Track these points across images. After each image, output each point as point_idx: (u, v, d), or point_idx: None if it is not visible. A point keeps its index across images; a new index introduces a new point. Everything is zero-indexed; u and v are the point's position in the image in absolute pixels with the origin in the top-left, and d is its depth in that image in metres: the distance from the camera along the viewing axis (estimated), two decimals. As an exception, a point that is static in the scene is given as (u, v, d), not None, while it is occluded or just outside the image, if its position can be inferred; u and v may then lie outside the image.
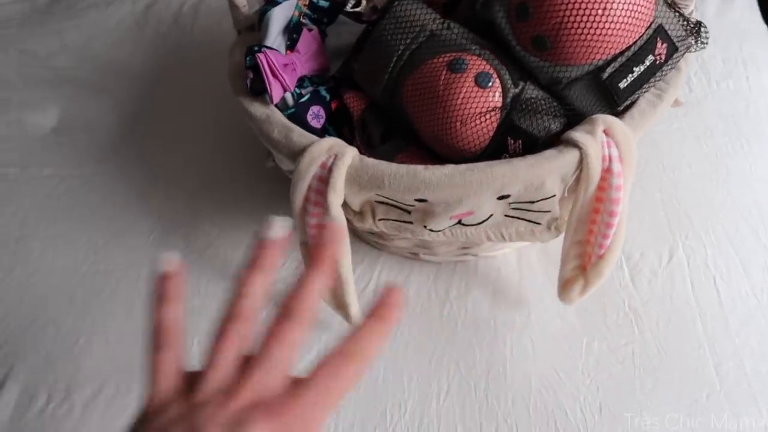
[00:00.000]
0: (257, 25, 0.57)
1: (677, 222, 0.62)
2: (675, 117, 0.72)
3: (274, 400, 0.26)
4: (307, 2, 0.57)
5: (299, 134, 0.49)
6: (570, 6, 0.44)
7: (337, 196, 0.46)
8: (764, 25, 0.86)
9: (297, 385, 0.26)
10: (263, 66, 0.50)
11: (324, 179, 0.46)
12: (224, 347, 0.27)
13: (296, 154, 0.48)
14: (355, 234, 0.64)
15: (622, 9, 0.44)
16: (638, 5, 0.45)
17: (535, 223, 0.51)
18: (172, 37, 0.90)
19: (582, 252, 0.51)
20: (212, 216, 0.66)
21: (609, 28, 0.44)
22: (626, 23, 0.44)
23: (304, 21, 0.58)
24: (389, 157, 0.52)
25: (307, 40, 0.56)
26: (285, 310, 0.28)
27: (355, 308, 0.52)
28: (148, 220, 0.66)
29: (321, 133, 0.55)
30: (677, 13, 0.49)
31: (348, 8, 0.68)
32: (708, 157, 0.68)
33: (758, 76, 0.76)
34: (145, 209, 0.67)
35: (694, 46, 0.50)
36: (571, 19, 0.44)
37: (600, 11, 0.44)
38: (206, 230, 0.65)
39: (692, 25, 0.50)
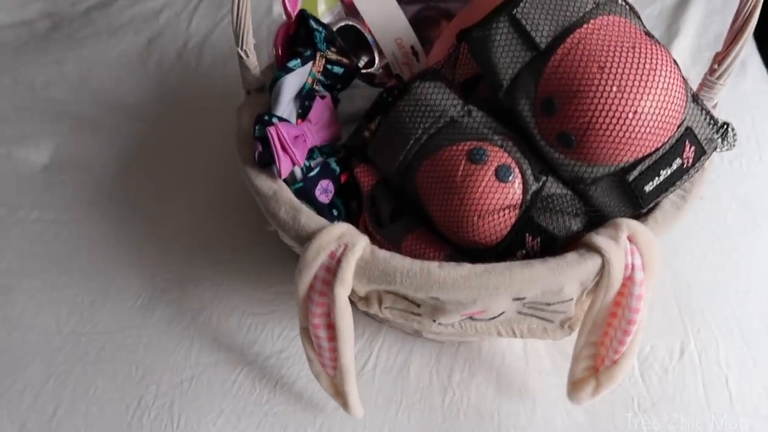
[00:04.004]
0: (268, 89, 0.54)
1: (689, 313, 0.60)
2: (687, 196, 0.70)
3: None
4: (321, 68, 0.55)
5: (307, 217, 0.46)
6: (600, 107, 0.42)
7: (344, 288, 0.44)
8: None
9: None
10: (273, 140, 0.48)
11: (332, 270, 0.44)
12: None
13: (303, 239, 0.45)
14: (356, 305, 0.61)
15: (653, 113, 0.42)
16: (669, 109, 0.43)
17: (548, 321, 0.49)
18: (175, 74, 0.87)
19: (595, 353, 0.49)
20: (207, 277, 0.63)
21: (638, 131, 0.42)
22: (656, 127, 0.43)
23: (316, 87, 0.55)
24: (398, 239, 0.50)
25: (319, 108, 0.54)
26: None
27: (354, 397, 0.49)
28: (139, 277, 0.63)
29: (329, 207, 0.53)
30: (706, 114, 0.47)
31: (360, 65, 0.66)
32: (720, 241, 0.66)
33: (770, 156, 0.75)
34: (137, 265, 0.64)
35: (721, 147, 0.48)
36: (600, 120, 0.42)
37: (630, 114, 0.42)
38: (200, 293, 0.62)
39: (720, 126, 0.48)
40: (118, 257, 0.65)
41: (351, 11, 0.67)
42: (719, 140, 0.48)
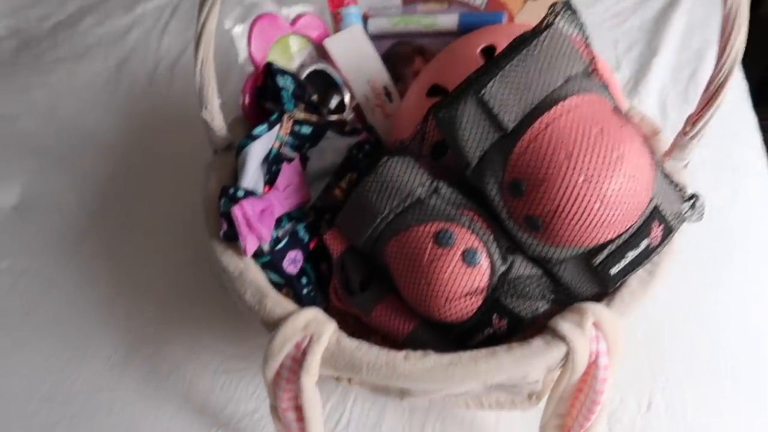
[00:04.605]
0: (235, 155, 0.53)
1: (658, 361, 0.60)
2: (662, 233, 0.70)
3: None
4: (288, 130, 0.54)
5: (273, 302, 0.46)
6: (567, 195, 0.41)
7: (311, 377, 0.43)
8: (754, 119, 0.84)
9: None
10: (238, 220, 0.47)
11: (298, 360, 0.43)
12: None
13: (270, 325, 0.45)
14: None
15: (619, 201, 0.42)
16: (636, 196, 0.43)
17: (515, 394, 0.49)
18: (146, 100, 0.85)
19: (562, 424, 0.49)
20: (181, 332, 0.63)
21: (604, 219, 0.42)
22: (622, 213, 0.42)
23: (284, 150, 0.54)
24: (368, 308, 0.50)
25: (287, 174, 0.53)
26: None
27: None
28: (112, 333, 0.62)
29: (297, 277, 0.52)
30: (674, 187, 0.47)
31: (331, 107, 0.64)
32: (692, 283, 0.66)
33: (746, 189, 0.75)
34: (111, 319, 0.63)
35: (689, 219, 0.48)
36: (567, 208, 0.42)
37: (597, 204, 0.41)
38: (172, 350, 0.61)
39: (688, 197, 0.48)
40: (92, 311, 0.64)
41: (323, 52, 0.65)
42: (688, 211, 0.48)
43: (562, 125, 0.42)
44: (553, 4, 0.46)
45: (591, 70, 0.46)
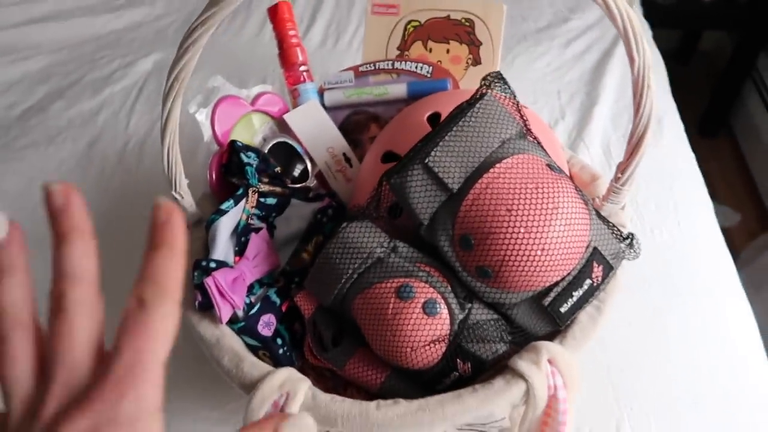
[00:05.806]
0: (204, 229, 0.57)
1: (623, 390, 0.64)
2: (614, 269, 0.75)
3: (85, 390, 0.25)
4: (254, 203, 0.58)
5: (250, 364, 0.49)
6: (510, 246, 0.46)
7: (289, 435, 0.46)
8: (692, 155, 0.91)
9: (105, 363, 0.25)
10: (211, 290, 0.50)
11: (276, 419, 0.46)
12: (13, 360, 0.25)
13: (247, 387, 0.48)
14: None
15: (559, 247, 0.46)
16: (573, 240, 0.47)
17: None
18: (117, 179, 0.88)
19: (531, 459, 0.52)
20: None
21: (547, 264, 0.46)
22: (563, 258, 0.47)
23: (251, 221, 0.58)
24: (341, 363, 0.53)
25: (255, 243, 0.57)
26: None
27: None
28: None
29: (273, 338, 0.55)
30: (611, 229, 0.52)
31: (295, 175, 0.68)
32: (646, 313, 0.71)
33: (689, 223, 0.80)
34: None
35: (628, 257, 0.53)
36: (512, 257, 0.46)
37: (539, 251, 0.46)
38: None
39: (624, 237, 0.53)
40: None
41: (284, 126, 0.70)
42: (626, 250, 0.53)
43: (500, 184, 0.47)
44: (486, 76, 0.51)
45: (525, 131, 0.52)
